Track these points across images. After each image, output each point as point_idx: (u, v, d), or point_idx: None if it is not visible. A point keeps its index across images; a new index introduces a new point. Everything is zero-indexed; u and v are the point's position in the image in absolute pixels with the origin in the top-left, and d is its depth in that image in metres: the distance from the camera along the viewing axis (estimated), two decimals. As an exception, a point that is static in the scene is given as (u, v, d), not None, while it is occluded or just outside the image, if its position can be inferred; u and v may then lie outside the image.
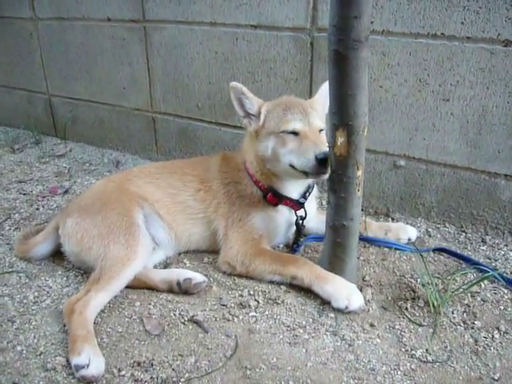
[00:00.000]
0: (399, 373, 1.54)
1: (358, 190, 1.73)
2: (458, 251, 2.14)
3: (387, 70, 2.25)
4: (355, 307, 1.77)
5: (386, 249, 2.19)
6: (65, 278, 2.07)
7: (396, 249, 2.18)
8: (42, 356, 1.66)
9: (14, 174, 3.17)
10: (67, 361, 1.61)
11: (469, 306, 1.81)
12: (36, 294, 1.98)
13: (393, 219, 2.47)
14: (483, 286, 1.92)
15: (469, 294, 1.87)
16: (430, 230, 2.35)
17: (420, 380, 1.51)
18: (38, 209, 2.70)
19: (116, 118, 3.37)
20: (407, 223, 2.38)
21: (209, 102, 2.89)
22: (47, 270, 2.14)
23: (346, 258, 1.85)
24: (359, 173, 1.69)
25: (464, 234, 2.30)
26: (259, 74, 2.64)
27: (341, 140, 1.62)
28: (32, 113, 3.82)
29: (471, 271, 2.00)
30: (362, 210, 2.52)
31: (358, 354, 1.62)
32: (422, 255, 1.93)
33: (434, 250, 2.16)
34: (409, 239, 2.23)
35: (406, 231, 2.23)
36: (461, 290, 1.87)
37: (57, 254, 2.17)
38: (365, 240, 2.22)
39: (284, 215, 2.11)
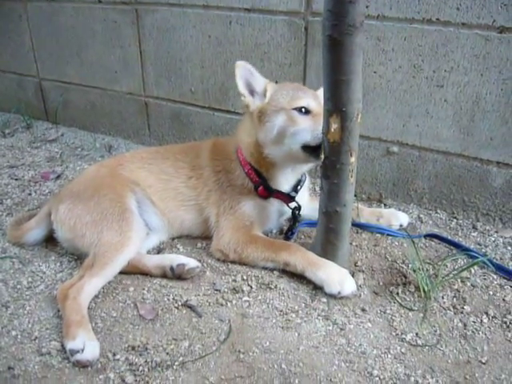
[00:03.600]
0: (389, 356, 1.57)
1: (351, 177, 1.73)
2: (449, 237, 2.17)
3: (382, 55, 2.24)
4: (348, 293, 1.79)
5: (378, 235, 2.21)
6: (58, 264, 2.07)
7: (388, 235, 2.19)
8: (36, 341, 1.66)
9: (5, 159, 3.13)
10: (62, 345, 1.62)
11: (458, 291, 1.84)
12: (30, 279, 1.98)
13: (385, 205, 2.49)
14: (473, 271, 1.95)
15: (459, 280, 1.89)
16: (421, 216, 2.37)
17: (410, 363, 1.54)
18: (30, 194, 2.68)
19: (108, 103, 3.34)
20: (399, 209, 2.40)
21: (202, 86, 2.87)
22: (40, 255, 2.13)
23: (338, 243, 1.87)
24: (352, 159, 1.69)
25: (455, 220, 2.32)
26: (253, 58, 2.61)
27: (334, 126, 1.61)
28: (22, 97, 3.77)
29: (462, 257, 2.02)
30: (355, 195, 2.54)
31: (349, 337, 1.64)
32: (413, 241, 1.95)
33: (426, 236, 2.18)
34: (400, 225, 2.24)
35: (397, 217, 2.25)
36: (451, 275, 1.89)
37: (50, 240, 2.16)
38: (357, 226, 2.23)
39: (275, 205, 2.11)
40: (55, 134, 3.51)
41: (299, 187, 2.11)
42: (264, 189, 2.05)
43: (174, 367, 1.55)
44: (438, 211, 2.38)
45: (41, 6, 3.35)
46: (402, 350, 1.59)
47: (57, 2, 3.25)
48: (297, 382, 1.49)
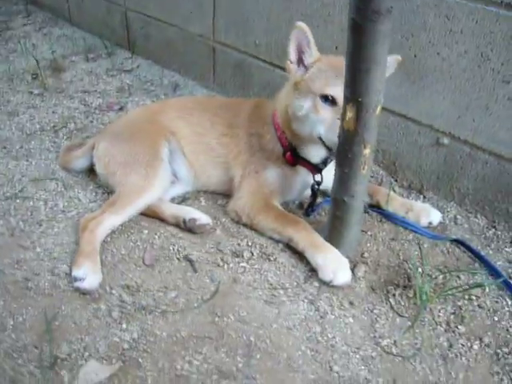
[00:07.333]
0: (357, 356, 1.55)
1: (363, 169, 1.64)
2: (476, 248, 1.97)
3: (448, 36, 1.99)
4: (339, 283, 1.76)
5: (402, 228, 2.09)
6: (94, 194, 2.25)
7: (412, 230, 2.07)
8: (54, 261, 1.87)
9: (81, 84, 3.35)
10: (70, 271, 1.81)
11: (460, 309, 1.71)
12: (66, 203, 2.18)
13: (425, 197, 2.31)
14: (487, 290, 1.79)
15: (466, 296, 1.76)
16: (458, 217, 2.18)
17: (374, 369, 1.51)
18: (92, 122, 2.88)
19: (181, 42, 3.38)
20: (438, 205, 2.22)
21: (266, 39, 2.79)
22: (81, 183, 2.32)
23: (343, 231, 1.82)
24: (366, 151, 1.59)
25: (494, 229, 2.11)
26: (317, 18, 2.46)
27: (349, 115, 1.52)
28: (110, 23, 3.93)
29: (481, 272, 1.87)
30: (396, 181, 2.42)
31: (325, 327, 1.64)
32: (419, 245, 1.83)
33: (452, 241, 2.02)
34: (429, 223, 2.09)
35: (428, 214, 2.08)
36: (460, 289, 1.77)
37: (93, 170, 2.32)
38: (381, 214, 2.13)
39: (301, 175, 2.07)
40: (131, 64, 3.64)
41: (329, 160, 2.04)
42: (291, 155, 2.02)
43: (156, 313, 1.67)
44: (478, 216, 2.17)
45: None
46: (373, 354, 1.56)
47: None
48: (258, 357, 1.54)
